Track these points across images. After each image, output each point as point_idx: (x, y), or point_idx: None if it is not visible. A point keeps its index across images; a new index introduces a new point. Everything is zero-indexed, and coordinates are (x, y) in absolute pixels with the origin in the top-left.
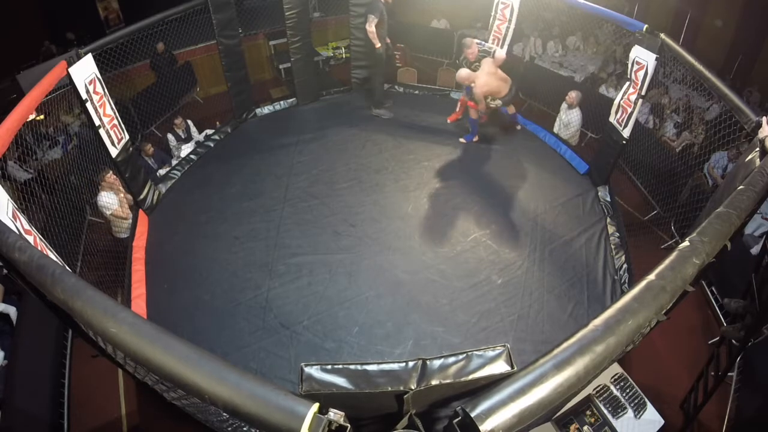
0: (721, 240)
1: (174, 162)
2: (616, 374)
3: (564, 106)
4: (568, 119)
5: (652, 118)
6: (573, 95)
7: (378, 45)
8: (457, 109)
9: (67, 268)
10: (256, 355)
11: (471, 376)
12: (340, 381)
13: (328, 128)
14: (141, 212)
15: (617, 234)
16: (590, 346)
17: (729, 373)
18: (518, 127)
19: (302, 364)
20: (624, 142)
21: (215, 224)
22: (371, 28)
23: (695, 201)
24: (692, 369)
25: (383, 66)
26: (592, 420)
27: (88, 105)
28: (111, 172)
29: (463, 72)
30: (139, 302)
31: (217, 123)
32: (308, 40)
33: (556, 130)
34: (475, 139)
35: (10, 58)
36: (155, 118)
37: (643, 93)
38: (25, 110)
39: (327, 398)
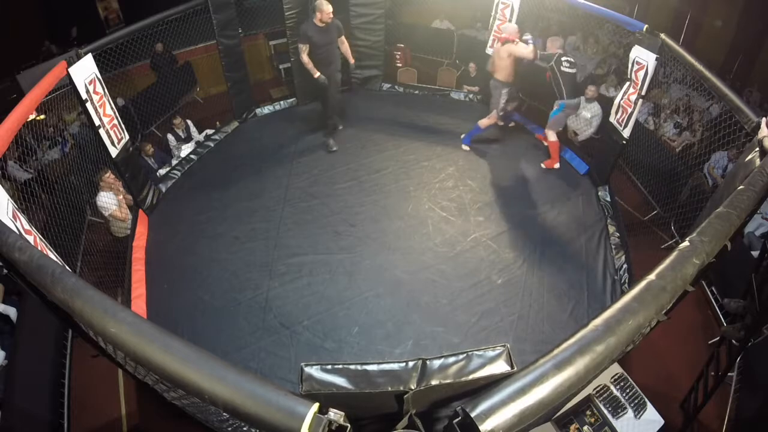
0: (721, 240)
1: (174, 162)
2: (616, 374)
3: (581, 100)
4: (593, 113)
5: (652, 118)
6: (594, 88)
7: (316, 75)
8: (553, 156)
9: (67, 268)
10: (256, 355)
11: (471, 376)
12: (340, 381)
13: None
14: (141, 212)
15: (617, 234)
16: (590, 346)
17: (729, 373)
18: (511, 124)
19: (302, 363)
20: (624, 142)
21: (215, 224)
22: (305, 58)
23: (695, 201)
24: (692, 369)
25: (328, 93)
26: (592, 420)
27: (88, 105)
28: (110, 172)
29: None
30: (139, 302)
31: (217, 123)
32: None
33: (574, 127)
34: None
35: (10, 58)
36: (155, 118)
37: (643, 93)
38: (25, 110)
39: (327, 398)
